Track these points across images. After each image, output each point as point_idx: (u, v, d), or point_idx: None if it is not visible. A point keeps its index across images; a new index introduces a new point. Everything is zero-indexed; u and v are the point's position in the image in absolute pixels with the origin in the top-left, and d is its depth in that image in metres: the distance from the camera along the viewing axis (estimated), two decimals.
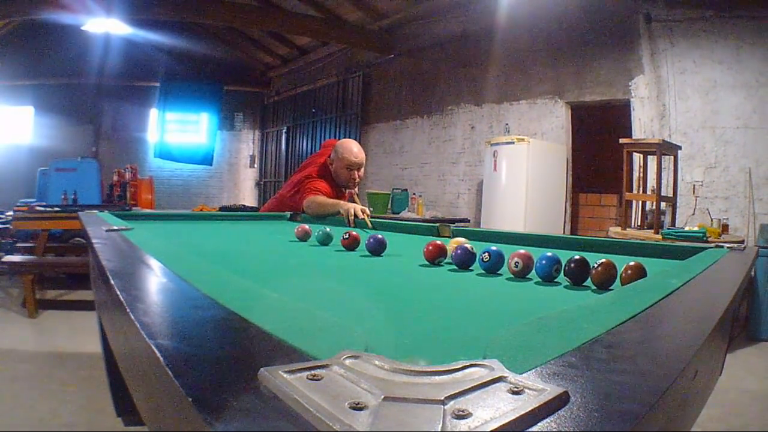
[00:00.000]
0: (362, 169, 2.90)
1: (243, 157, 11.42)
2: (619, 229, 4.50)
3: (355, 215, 2.42)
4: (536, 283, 1.04)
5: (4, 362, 3.03)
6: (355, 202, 2.77)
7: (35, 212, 4.90)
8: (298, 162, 10.16)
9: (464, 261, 1.19)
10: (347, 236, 1.53)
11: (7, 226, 5.30)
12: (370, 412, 0.29)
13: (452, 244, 1.28)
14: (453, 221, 5.76)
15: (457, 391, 0.32)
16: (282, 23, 7.70)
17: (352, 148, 2.88)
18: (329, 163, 2.89)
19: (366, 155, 2.99)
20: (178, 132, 10.31)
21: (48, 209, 4.99)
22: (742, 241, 3.90)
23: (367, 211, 2.45)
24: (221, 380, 0.34)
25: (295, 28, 7.70)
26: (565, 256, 1.07)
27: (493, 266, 1.12)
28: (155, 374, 0.39)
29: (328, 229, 1.69)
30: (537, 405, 0.30)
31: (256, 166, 11.46)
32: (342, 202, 2.66)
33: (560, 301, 0.89)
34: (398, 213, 6.63)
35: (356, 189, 3.00)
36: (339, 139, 8.74)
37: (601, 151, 5.93)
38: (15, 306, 4.38)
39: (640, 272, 0.96)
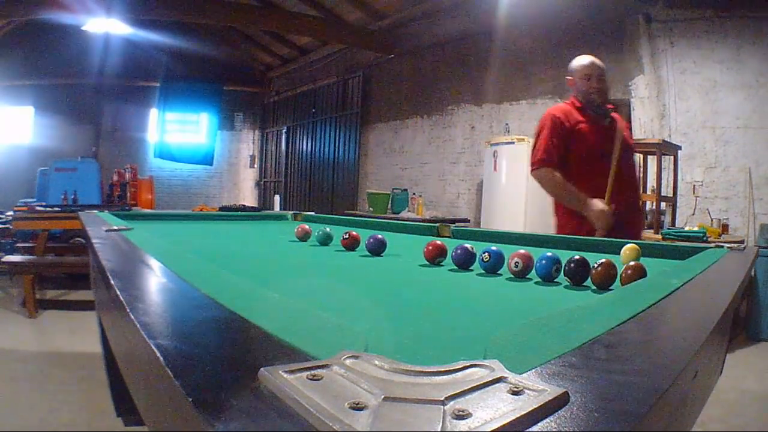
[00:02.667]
0: (604, 80, 2.43)
1: (243, 157, 11.42)
2: None
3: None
4: (536, 283, 1.04)
5: (4, 362, 3.03)
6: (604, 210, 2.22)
7: (35, 212, 4.89)
8: (298, 162, 10.15)
9: (464, 261, 1.19)
10: (347, 236, 1.53)
11: (7, 226, 5.30)
12: (370, 412, 0.29)
13: (626, 253, 1.26)
14: (453, 221, 5.76)
15: (457, 392, 0.32)
16: (282, 23, 7.70)
17: (582, 57, 2.51)
18: (571, 85, 2.50)
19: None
20: (178, 132, 10.30)
21: (48, 209, 4.98)
22: (742, 241, 3.90)
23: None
24: (221, 380, 0.34)
25: (295, 28, 7.69)
26: (565, 256, 1.07)
27: (493, 266, 1.13)
28: (155, 374, 0.39)
29: (328, 229, 1.69)
30: (537, 405, 0.30)
31: (256, 166, 11.46)
32: (591, 202, 2.22)
33: (560, 301, 0.89)
34: (398, 213, 6.62)
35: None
36: (341, 138, 8.70)
37: None
38: (15, 306, 4.38)
39: (640, 272, 0.97)
